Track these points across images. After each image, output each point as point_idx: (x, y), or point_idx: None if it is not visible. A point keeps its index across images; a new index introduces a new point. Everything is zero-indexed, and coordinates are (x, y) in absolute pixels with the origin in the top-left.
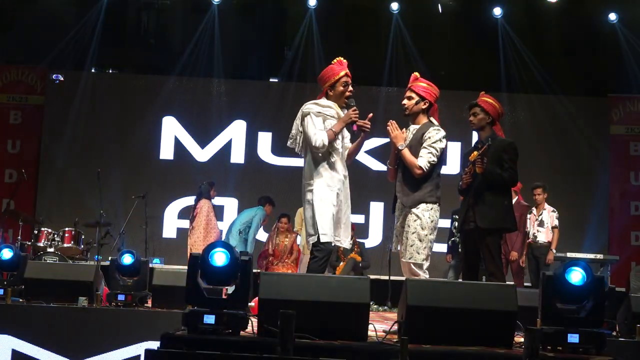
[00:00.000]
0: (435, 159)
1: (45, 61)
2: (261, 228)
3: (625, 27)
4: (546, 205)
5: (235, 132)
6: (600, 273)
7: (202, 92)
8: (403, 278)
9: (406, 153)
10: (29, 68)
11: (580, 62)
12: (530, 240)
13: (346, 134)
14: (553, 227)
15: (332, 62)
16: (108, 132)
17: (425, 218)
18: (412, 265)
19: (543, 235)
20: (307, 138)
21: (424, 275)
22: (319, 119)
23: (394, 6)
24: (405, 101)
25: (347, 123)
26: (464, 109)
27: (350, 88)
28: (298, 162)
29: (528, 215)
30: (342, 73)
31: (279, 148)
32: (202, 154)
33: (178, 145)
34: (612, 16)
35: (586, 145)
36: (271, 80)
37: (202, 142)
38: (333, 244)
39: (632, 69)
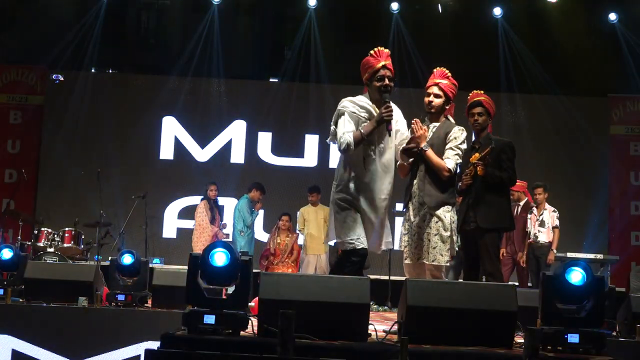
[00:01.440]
0: (460, 160)
1: (45, 61)
2: (261, 224)
3: (625, 27)
4: (547, 205)
5: (235, 132)
6: (600, 273)
7: (202, 92)
8: (403, 278)
9: (432, 154)
10: (29, 68)
11: (580, 62)
12: (531, 240)
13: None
14: (554, 227)
15: (370, 53)
16: (108, 132)
17: (447, 219)
18: (434, 267)
19: (544, 236)
20: (337, 139)
21: (445, 277)
22: (352, 121)
23: (394, 6)
24: (432, 98)
25: (379, 123)
26: (463, 108)
27: (387, 82)
28: (298, 162)
29: (529, 215)
30: (379, 65)
31: (279, 148)
32: (202, 154)
33: (178, 145)
34: (612, 16)
35: (586, 145)
36: (271, 80)
37: (202, 142)
38: (360, 247)
39: (632, 69)
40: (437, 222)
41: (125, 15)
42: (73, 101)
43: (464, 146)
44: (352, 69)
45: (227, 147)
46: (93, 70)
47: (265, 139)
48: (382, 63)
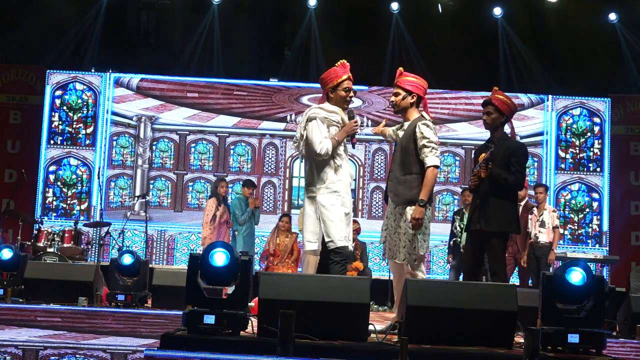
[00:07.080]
0: (438, 152)
1: (45, 61)
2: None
3: (625, 27)
4: (547, 205)
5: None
6: (600, 273)
7: (202, 92)
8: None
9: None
10: (29, 68)
11: (580, 62)
12: (531, 240)
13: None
14: (554, 227)
15: (336, 64)
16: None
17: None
18: (407, 266)
19: (544, 236)
20: (310, 143)
21: (421, 274)
22: (324, 125)
23: (394, 6)
24: (392, 98)
25: (349, 135)
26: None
27: (352, 94)
28: (297, 162)
29: (529, 216)
30: (345, 77)
31: None
32: None
33: None
34: (612, 16)
35: (586, 145)
36: (271, 80)
37: None
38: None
39: (632, 69)
40: (405, 220)
41: (125, 15)
42: None
43: (436, 138)
44: (352, 69)
45: None
46: (93, 70)
47: None
48: (347, 75)
